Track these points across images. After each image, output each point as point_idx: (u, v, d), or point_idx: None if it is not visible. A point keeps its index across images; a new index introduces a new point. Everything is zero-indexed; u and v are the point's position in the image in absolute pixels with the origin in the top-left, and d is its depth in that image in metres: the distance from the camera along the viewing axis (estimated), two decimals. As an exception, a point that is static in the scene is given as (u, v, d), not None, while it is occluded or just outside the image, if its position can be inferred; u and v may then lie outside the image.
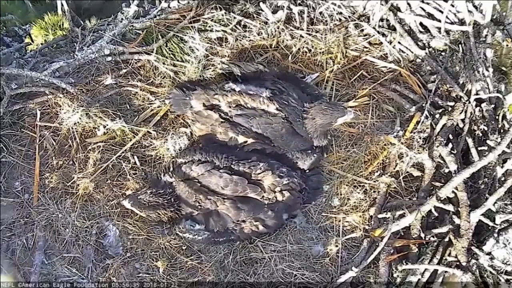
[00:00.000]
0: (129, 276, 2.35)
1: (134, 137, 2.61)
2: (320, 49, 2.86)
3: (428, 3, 2.84)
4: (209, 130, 2.54)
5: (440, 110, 2.65)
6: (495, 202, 2.28)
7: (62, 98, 2.59)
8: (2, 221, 2.42)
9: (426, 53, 2.81)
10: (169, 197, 2.36)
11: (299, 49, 2.87)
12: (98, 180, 2.53)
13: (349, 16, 2.92)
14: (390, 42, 2.88)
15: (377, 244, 2.30)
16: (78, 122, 2.57)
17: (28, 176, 2.54)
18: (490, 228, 2.27)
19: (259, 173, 2.39)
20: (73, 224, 2.43)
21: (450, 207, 2.34)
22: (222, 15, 2.91)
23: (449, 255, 2.26)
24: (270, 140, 2.50)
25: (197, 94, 2.60)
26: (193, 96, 2.60)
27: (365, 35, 2.91)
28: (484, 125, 2.54)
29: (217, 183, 2.36)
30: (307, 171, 2.53)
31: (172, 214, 2.39)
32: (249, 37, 2.89)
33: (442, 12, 2.81)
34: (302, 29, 2.89)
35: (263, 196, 2.37)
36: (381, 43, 2.89)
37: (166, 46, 2.85)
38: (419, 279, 2.23)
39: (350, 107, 2.70)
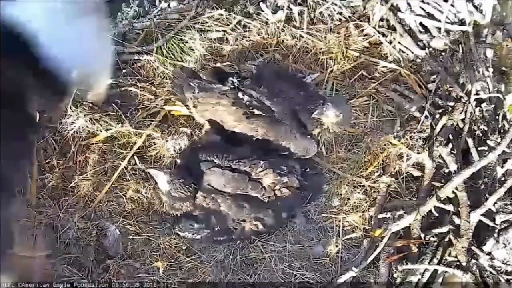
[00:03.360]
0: (129, 276, 2.35)
1: (134, 137, 2.61)
2: (320, 49, 2.87)
3: (428, 3, 2.85)
4: (216, 96, 2.47)
5: (440, 110, 2.64)
6: (495, 202, 2.28)
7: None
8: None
9: (426, 53, 2.81)
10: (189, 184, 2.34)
11: (299, 49, 2.87)
12: (99, 181, 2.53)
13: (349, 16, 2.93)
14: (390, 42, 2.88)
15: (377, 244, 2.30)
16: (82, 127, 2.58)
17: (28, 176, 2.54)
18: (490, 228, 2.27)
19: (260, 172, 2.39)
20: (73, 224, 2.43)
21: (450, 207, 2.35)
22: (222, 15, 2.91)
23: (449, 255, 2.26)
24: (274, 112, 2.46)
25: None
26: (199, 80, 2.55)
27: (365, 35, 2.91)
28: (484, 125, 2.54)
29: (219, 181, 2.36)
30: (307, 169, 2.53)
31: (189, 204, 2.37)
32: (249, 37, 2.89)
33: (442, 12, 2.81)
34: (302, 29, 2.89)
35: (263, 194, 2.37)
36: (381, 43, 2.89)
37: (166, 46, 2.85)
38: (419, 279, 2.23)
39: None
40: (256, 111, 2.46)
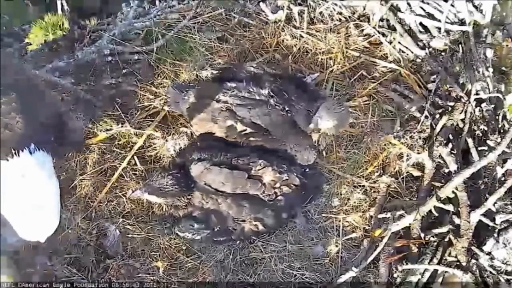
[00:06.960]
0: (129, 276, 2.35)
1: (134, 137, 2.61)
2: (320, 49, 2.87)
3: (428, 3, 2.85)
4: (209, 119, 2.50)
5: (440, 110, 2.65)
6: (495, 202, 2.28)
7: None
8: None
9: (426, 53, 2.81)
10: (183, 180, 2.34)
11: (299, 49, 2.87)
12: (99, 181, 2.52)
13: (349, 16, 2.93)
14: (390, 42, 2.88)
15: (377, 244, 2.30)
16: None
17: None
18: (490, 228, 2.27)
19: (259, 169, 2.39)
20: (74, 224, 2.43)
21: (450, 207, 2.35)
22: (222, 15, 2.92)
23: (449, 255, 2.26)
24: (269, 131, 2.48)
25: (196, 90, 2.58)
26: (192, 93, 2.57)
27: (365, 35, 2.91)
28: (484, 125, 2.55)
29: (217, 179, 2.36)
30: (307, 169, 2.53)
31: (186, 201, 2.37)
32: (249, 37, 2.89)
33: (442, 12, 2.82)
34: (302, 29, 2.89)
35: (263, 192, 2.36)
36: (381, 43, 2.89)
37: (166, 46, 2.86)
38: (419, 279, 2.23)
39: (350, 107, 2.71)
40: (252, 139, 2.47)
